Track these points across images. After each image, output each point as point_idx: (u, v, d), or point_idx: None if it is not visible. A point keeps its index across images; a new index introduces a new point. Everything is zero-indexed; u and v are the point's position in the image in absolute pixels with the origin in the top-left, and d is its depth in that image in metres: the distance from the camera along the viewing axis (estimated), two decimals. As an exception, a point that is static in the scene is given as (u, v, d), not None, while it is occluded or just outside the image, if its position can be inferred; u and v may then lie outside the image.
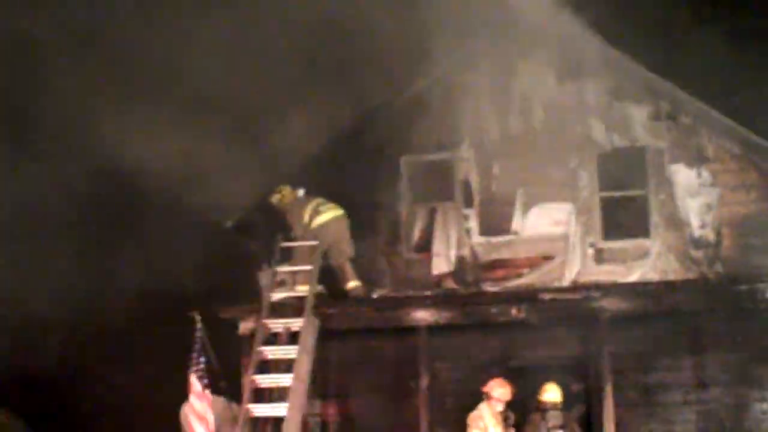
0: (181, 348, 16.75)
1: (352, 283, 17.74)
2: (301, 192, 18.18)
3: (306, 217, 17.73)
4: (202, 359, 16.35)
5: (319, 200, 17.97)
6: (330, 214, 17.76)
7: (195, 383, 16.22)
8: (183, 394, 16.37)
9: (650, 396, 17.74)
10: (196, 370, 16.25)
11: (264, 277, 17.50)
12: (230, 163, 18.32)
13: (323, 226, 17.65)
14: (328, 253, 17.70)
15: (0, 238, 18.87)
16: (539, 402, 16.73)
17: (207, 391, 16.25)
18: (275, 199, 18.16)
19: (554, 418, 16.52)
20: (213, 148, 18.23)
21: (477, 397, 17.84)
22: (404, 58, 18.27)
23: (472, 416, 16.53)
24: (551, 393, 16.68)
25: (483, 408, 16.57)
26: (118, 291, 19.33)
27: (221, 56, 18.67)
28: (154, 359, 19.40)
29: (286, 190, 18.15)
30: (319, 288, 17.48)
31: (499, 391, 16.61)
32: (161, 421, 17.52)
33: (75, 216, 19.77)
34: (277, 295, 17.20)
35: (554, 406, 16.54)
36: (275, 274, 17.40)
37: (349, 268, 17.81)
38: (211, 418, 16.14)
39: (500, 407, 16.65)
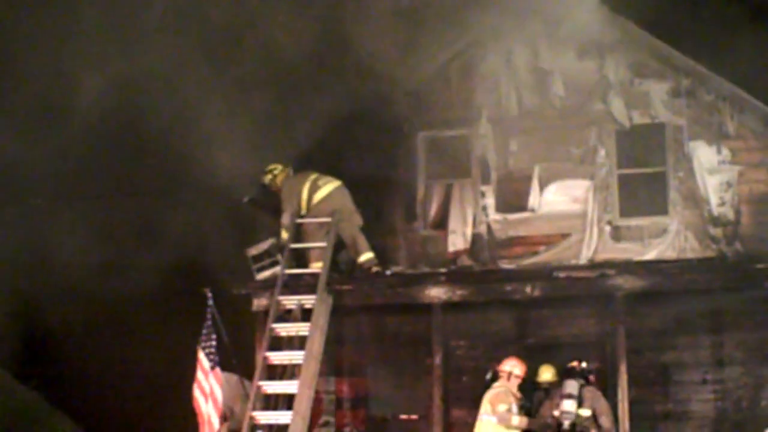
0: (193, 324, 16.70)
1: (365, 256, 17.60)
2: (290, 170, 18.04)
3: (305, 193, 17.59)
4: (213, 336, 16.29)
5: (315, 175, 17.80)
6: (330, 186, 17.63)
7: (203, 360, 16.17)
8: (194, 371, 16.32)
9: (667, 375, 17.64)
10: (206, 347, 16.19)
11: (254, 251, 17.39)
12: (248, 138, 18.25)
13: (325, 200, 17.52)
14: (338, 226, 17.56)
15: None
16: (537, 383, 16.62)
17: (216, 368, 16.19)
18: (267, 179, 18.06)
19: (566, 386, 16.28)
20: (231, 122, 18.16)
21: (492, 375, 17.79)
22: (422, 34, 18.12)
23: (497, 393, 16.32)
24: (547, 374, 16.60)
25: (504, 385, 16.40)
26: (131, 265, 19.31)
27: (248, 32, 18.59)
28: (166, 334, 19.36)
29: (278, 168, 18.04)
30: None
31: (521, 369, 16.44)
32: (173, 396, 17.55)
33: (93, 187, 19.81)
34: (292, 272, 17.10)
35: (551, 385, 16.42)
36: (290, 250, 17.31)
37: (361, 239, 17.65)
38: (219, 395, 16.09)
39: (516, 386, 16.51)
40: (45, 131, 18.94)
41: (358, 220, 17.68)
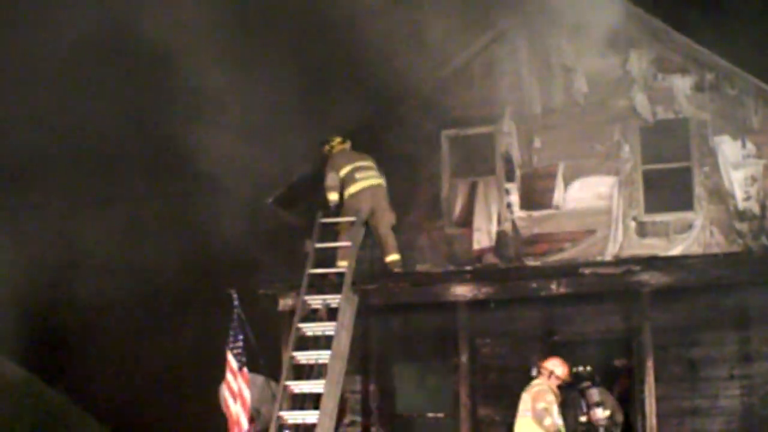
0: (220, 324, 16.76)
1: (392, 257, 17.59)
2: (348, 144, 17.98)
3: (342, 173, 17.53)
4: (240, 337, 16.35)
5: (360, 164, 17.64)
6: (364, 183, 17.55)
7: (232, 361, 16.23)
8: (222, 372, 16.37)
9: (694, 371, 17.59)
10: (233, 348, 16.25)
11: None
12: (271, 139, 18.30)
13: (355, 196, 17.48)
14: (369, 223, 17.55)
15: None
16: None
17: (244, 369, 16.25)
18: (326, 149, 17.99)
19: (593, 395, 16.39)
20: (254, 123, 18.22)
21: (519, 373, 17.81)
22: (445, 31, 18.11)
23: (539, 391, 16.22)
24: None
25: (545, 384, 16.33)
26: (157, 267, 19.37)
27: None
28: (192, 336, 19.44)
29: (336, 140, 17.96)
30: None
31: (562, 370, 16.39)
32: (200, 398, 17.61)
33: (118, 184, 19.88)
34: (317, 271, 17.13)
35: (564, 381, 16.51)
36: (315, 249, 17.34)
37: (391, 240, 17.61)
38: (247, 395, 16.15)
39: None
40: (66, 131, 19.09)
41: (391, 218, 17.65)
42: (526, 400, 16.28)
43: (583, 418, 16.25)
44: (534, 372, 16.57)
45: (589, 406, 16.33)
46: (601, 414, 16.22)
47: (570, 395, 16.49)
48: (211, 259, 19.13)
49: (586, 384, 16.62)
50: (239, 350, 16.26)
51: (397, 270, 17.53)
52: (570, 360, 17.22)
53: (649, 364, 16.37)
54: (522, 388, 16.51)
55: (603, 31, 18.29)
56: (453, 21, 17.99)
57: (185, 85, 18.12)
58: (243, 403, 16.10)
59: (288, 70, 18.37)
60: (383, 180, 17.74)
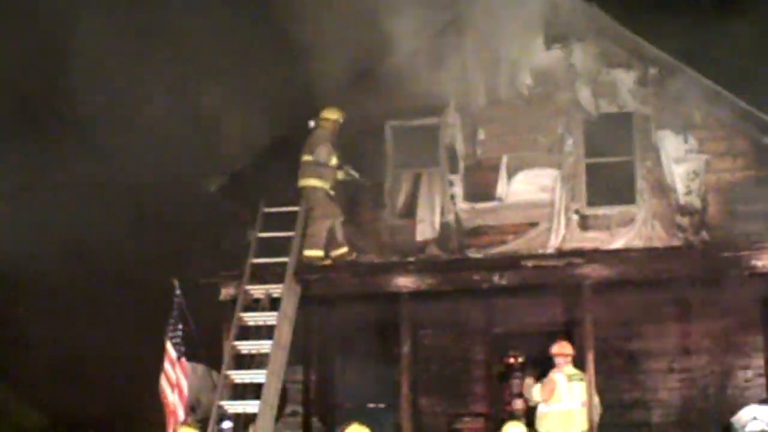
0: (160, 314, 16.62)
1: (340, 251, 17.55)
2: (311, 123, 17.77)
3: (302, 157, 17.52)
4: (180, 326, 16.23)
5: (306, 157, 17.55)
6: (303, 182, 17.51)
7: (171, 350, 16.11)
8: (161, 361, 16.25)
9: (634, 363, 17.73)
10: (173, 337, 16.13)
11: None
12: (213, 127, 18.16)
13: (302, 190, 17.46)
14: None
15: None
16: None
17: (182, 359, 16.14)
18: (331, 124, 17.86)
19: (515, 386, 16.68)
20: (198, 111, 18.07)
21: (460, 363, 17.90)
22: (389, 23, 18.02)
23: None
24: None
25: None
26: (99, 255, 19.19)
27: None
28: (134, 324, 19.25)
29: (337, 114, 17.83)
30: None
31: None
32: (140, 387, 17.46)
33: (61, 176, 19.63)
34: (259, 261, 17.03)
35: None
36: (257, 239, 17.24)
37: (338, 233, 17.58)
38: (185, 385, 16.05)
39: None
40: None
41: (337, 213, 17.57)
42: (581, 392, 15.87)
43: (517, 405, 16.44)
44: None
45: (512, 396, 16.55)
46: (519, 405, 16.36)
47: (501, 384, 16.63)
48: (152, 247, 18.92)
49: (515, 375, 16.83)
50: (179, 340, 16.14)
51: (349, 258, 17.48)
52: (511, 351, 17.38)
53: (590, 356, 16.35)
54: (465, 378, 16.59)
55: (548, 25, 18.35)
56: (400, 11, 17.90)
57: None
58: (180, 393, 16.00)
59: (229, 56, 18.21)
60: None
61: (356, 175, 17.93)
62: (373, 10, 17.67)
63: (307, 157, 17.52)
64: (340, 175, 17.66)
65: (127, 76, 18.49)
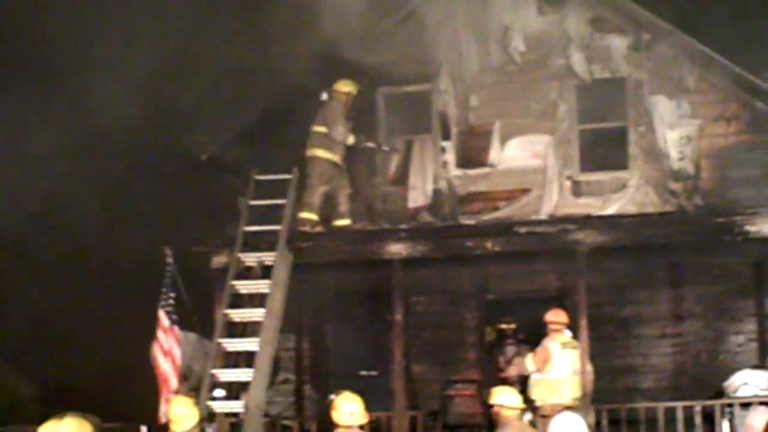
0: (151, 281, 16.58)
1: (341, 222, 17.49)
2: (324, 96, 17.68)
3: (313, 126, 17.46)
4: (172, 294, 16.19)
5: (319, 128, 17.45)
6: (310, 152, 17.44)
7: (163, 318, 16.09)
8: (152, 328, 16.22)
9: (627, 329, 17.76)
10: (165, 305, 16.10)
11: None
12: (207, 94, 18.06)
13: (309, 159, 17.43)
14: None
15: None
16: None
17: (175, 327, 16.12)
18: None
19: (509, 352, 16.67)
20: (184, 81, 17.96)
21: (453, 330, 17.90)
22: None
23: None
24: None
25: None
26: (89, 224, 19.08)
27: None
28: (125, 294, 19.20)
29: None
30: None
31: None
32: (131, 356, 17.43)
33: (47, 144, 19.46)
34: (251, 228, 16.98)
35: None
36: (248, 207, 17.18)
37: (343, 204, 17.53)
38: (177, 353, 16.04)
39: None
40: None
41: (344, 185, 17.54)
42: (574, 358, 15.82)
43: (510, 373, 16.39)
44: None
45: (505, 362, 16.56)
46: (512, 372, 16.31)
47: (493, 351, 16.61)
48: (145, 216, 18.84)
49: (508, 341, 16.83)
50: (171, 308, 16.11)
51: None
52: (504, 317, 17.36)
53: (583, 322, 16.33)
54: (457, 345, 16.58)
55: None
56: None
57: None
58: (173, 361, 15.99)
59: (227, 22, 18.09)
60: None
61: (372, 145, 17.89)
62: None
63: (319, 128, 17.44)
64: (350, 140, 17.52)
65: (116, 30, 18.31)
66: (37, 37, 19.00)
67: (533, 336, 16.45)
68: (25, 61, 19.53)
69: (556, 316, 15.95)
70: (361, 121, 18.33)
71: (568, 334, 15.96)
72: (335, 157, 17.43)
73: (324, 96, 17.64)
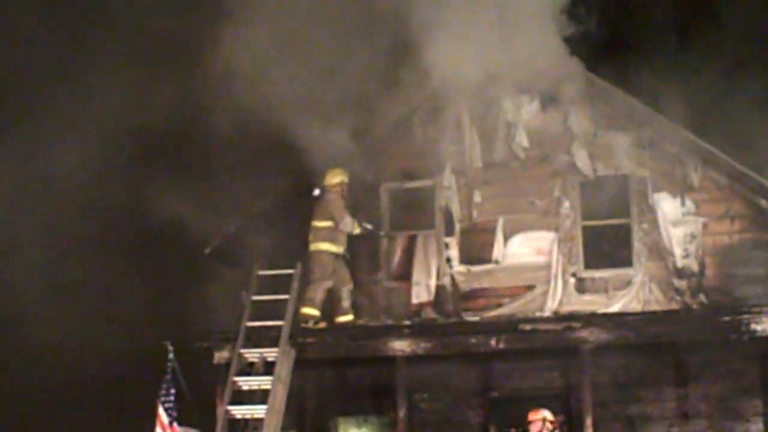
0: (153, 377, 16.44)
1: (344, 318, 17.44)
2: (317, 191, 17.72)
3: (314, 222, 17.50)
4: (172, 390, 16.02)
5: (321, 223, 17.53)
6: (314, 246, 17.44)
7: (162, 414, 15.91)
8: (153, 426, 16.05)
9: (633, 428, 17.60)
10: (165, 401, 15.92)
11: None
12: (206, 192, 18.07)
13: (313, 254, 17.42)
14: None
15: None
16: None
17: (174, 424, 15.93)
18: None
19: None
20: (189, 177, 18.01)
21: (456, 428, 17.71)
22: (385, 84, 17.99)
23: None
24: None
25: None
26: (90, 318, 19.02)
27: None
28: (126, 388, 19.06)
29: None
30: None
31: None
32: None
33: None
34: (253, 324, 16.89)
35: None
36: (251, 302, 17.11)
37: (345, 300, 17.49)
38: (177, 450, 15.86)
39: None
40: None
41: (346, 280, 17.55)
42: None
43: None
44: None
45: None
46: None
47: None
48: (146, 310, 18.77)
49: None
50: (171, 404, 15.94)
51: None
52: (508, 416, 17.17)
53: (588, 421, 16.25)
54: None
55: (544, 88, 18.31)
56: (395, 72, 17.88)
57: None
58: (172, 459, 15.79)
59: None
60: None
61: (371, 227, 17.89)
62: (368, 73, 17.64)
63: (322, 223, 17.44)
64: (357, 230, 17.55)
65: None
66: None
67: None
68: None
69: (534, 415, 15.77)
70: (365, 215, 18.36)
71: None
72: (340, 249, 17.44)
73: (317, 192, 17.67)
